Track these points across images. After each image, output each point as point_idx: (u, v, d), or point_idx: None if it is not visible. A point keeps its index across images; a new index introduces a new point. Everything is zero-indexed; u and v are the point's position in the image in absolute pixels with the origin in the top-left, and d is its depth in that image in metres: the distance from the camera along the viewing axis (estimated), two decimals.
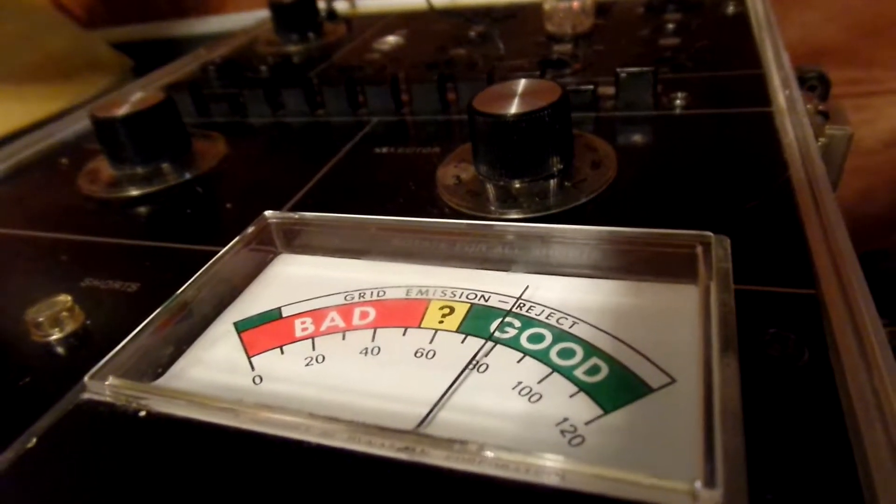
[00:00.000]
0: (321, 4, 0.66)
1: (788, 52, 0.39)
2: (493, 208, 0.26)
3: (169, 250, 0.28)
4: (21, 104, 0.69)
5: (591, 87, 0.34)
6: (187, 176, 0.34)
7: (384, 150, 0.34)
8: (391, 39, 0.54)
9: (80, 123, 0.45)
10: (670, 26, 0.45)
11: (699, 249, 0.18)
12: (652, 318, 0.18)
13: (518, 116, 0.25)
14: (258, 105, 0.41)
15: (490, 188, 0.27)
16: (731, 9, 0.46)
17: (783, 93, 0.31)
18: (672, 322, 0.18)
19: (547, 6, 0.46)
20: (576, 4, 0.45)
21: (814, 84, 0.37)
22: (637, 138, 0.31)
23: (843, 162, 0.30)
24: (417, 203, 0.28)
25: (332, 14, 0.62)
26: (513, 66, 0.43)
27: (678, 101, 0.33)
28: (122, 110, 0.34)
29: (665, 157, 0.28)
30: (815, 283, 0.19)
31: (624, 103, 0.34)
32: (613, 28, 0.47)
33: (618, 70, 0.33)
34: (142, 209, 0.32)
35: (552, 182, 0.27)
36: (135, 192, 0.33)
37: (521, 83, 0.27)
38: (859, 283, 0.19)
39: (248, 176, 0.34)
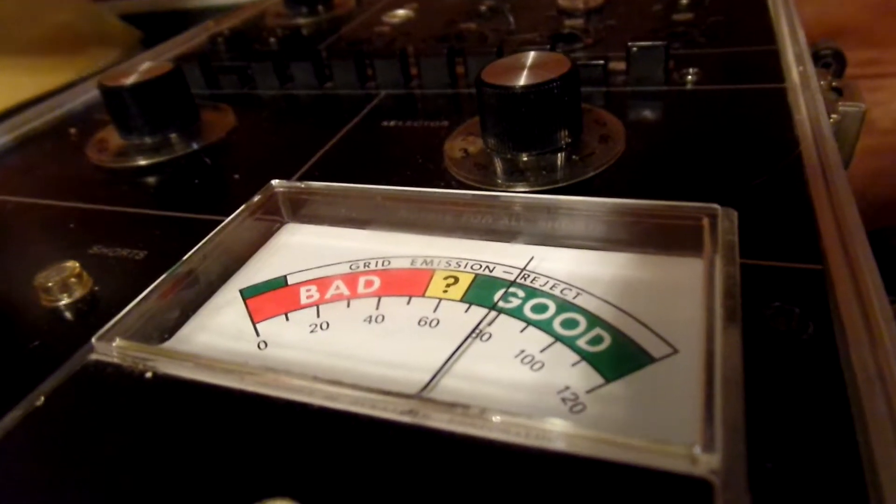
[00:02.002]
0: None
1: (805, 29, 0.38)
2: (500, 181, 0.26)
3: (176, 219, 0.28)
4: (30, 76, 0.69)
5: (602, 61, 0.33)
6: (195, 146, 0.34)
7: (392, 123, 0.34)
8: (401, 12, 0.53)
9: (89, 93, 0.45)
10: (684, 2, 0.44)
11: (705, 221, 0.18)
12: (656, 290, 0.18)
13: (526, 88, 0.25)
14: (267, 77, 0.41)
15: (497, 161, 0.27)
16: None
17: (797, 69, 0.31)
18: (677, 294, 0.18)
19: None
20: None
21: (829, 61, 0.37)
22: (647, 113, 0.31)
23: (855, 140, 0.29)
24: (424, 176, 0.28)
25: None
26: (523, 41, 0.42)
27: (690, 77, 0.33)
28: (131, 79, 0.34)
29: (675, 133, 0.28)
30: (822, 259, 0.19)
31: (635, 78, 0.33)
32: (626, 3, 0.46)
33: (629, 44, 0.33)
34: (149, 179, 0.32)
35: (560, 156, 0.26)
36: (143, 162, 0.33)
37: (531, 56, 0.27)
38: (866, 259, 0.19)
39: (255, 147, 0.34)
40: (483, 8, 0.50)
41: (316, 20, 0.55)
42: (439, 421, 0.13)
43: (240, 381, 0.15)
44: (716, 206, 0.18)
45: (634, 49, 0.33)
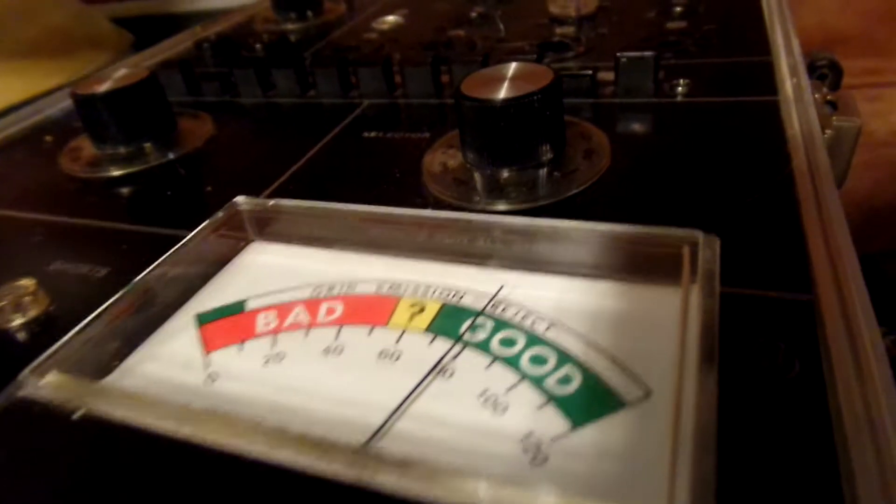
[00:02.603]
0: None
1: (803, 38, 0.37)
2: (478, 198, 0.25)
3: (143, 234, 0.27)
4: (20, 79, 0.68)
5: (590, 72, 0.32)
6: (170, 156, 0.33)
7: (373, 134, 0.33)
8: (390, 19, 0.52)
9: (68, 100, 0.44)
10: (678, 9, 0.43)
11: (685, 250, 0.17)
12: (634, 323, 0.17)
13: (506, 102, 0.24)
14: (249, 85, 0.40)
15: (477, 177, 0.26)
16: None
17: (790, 81, 0.30)
18: (654, 327, 0.17)
19: None
20: None
21: (824, 72, 0.35)
22: (635, 126, 0.30)
23: (850, 156, 0.28)
24: (401, 191, 0.27)
25: None
26: (512, 49, 0.41)
27: (680, 89, 0.32)
28: (104, 87, 0.33)
29: (662, 147, 0.27)
30: (811, 288, 0.18)
31: (623, 89, 0.32)
32: (619, 10, 0.45)
33: (618, 54, 0.32)
34: (121, 190, 0.31)
35: (542, 172, 0.25)
36: (116, 172, 0.32)
37: (513, 67, 0.26)
38: (859, 291, 0.18)
39: (232, 158, 0.33)
40: (474, 14, 0.49)
41: (304, 26, 0.54)
42: (385, 480, 0.12)
43: (176, 426, 0.14)
44: (697, 233, 0.17)
45: (623, 60, 0.32)
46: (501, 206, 0.24)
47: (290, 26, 0.54)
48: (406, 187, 0.27)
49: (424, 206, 0.25)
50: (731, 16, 0.41)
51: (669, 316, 0.17)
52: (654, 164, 0.26)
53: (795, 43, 0.34)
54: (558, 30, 0.44)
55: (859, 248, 0.20)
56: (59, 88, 0.55)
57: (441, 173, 0.27)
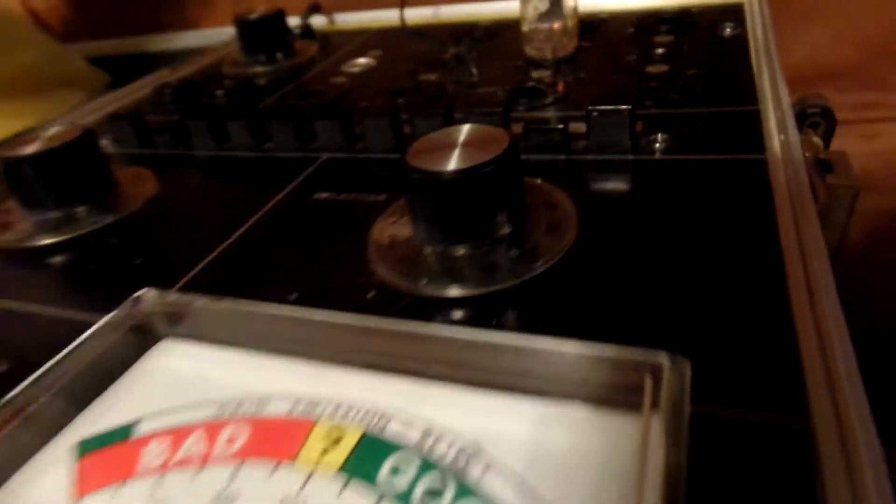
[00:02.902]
0: (295, 21, 0.62)
1: (793, 74, 0.34)
2: (426, 281, 0.22)
3: (56, 319, 0.24)
4: None
5: (560, 126, 0.30)
6: (105, 221, 0.30)
7: (325, 195, 0.30)
8: (362, 61, 0.50)
9: None
10: (660, 51, 0.41)
11: (647, 380, 0.14)
12: (588, 464, 0.14)
13: (457, 174, 0.21)
14: (202, 137, 0.38)
15: (427, 254, 0.23)
16: (728, 30, 0.42)
17: (778, 138, 0.27)
18: (613, 472, 0.13)
19: (525, 28, 0.42)
20: (557, 26, 0.41)
21: (816, 121, 0.33)
22: (607, 188, 0.27)
23: (847, 222, 0.25)
24: (342, 270, 0.24)
25: (307, 31, 0.58)
26: (484, 95, 0.39)
27: (658, 144, 0.29)
28: (32, 148, 0.30)
29: (636, 216, 0.24)
30: (804, 410, 0.15)
31: (596, 145, 0.29)
32: (599, 51, 0.43)
33: (589, 108, 0.29)
34: (45, 262, 0.29)
35: (499, 249, 0.22)
36: (43, 241, 0.30)
37: (465, 130, 0.23)
38: (859, 413, 0.15)
39: (170, 223, 0.30)
40: (448, 56, 0.47)
41: (274, 69, 0.52)
42: None
43: None
44: (661, 357, 0.14)
45: (595, 114, 0.29)
46: (452, 292, 0.21)
47: (258, 69, 0.52)
48: (349, 265, 0.24)
49: (366, 289, 0.22)
50: (716, 59, 0.38)
51: (630, 455, 0.14)
52: (625, 239, 0.23)
53: (783, 92, 0.31)
54: (534, 73, 0.41)
55: (862, 344, 0.17)
56: (30, 130, 0.53)
57: (389, 247, 0.24)
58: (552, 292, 0.21)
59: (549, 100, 0.36)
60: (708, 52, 0.39)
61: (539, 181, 0.26)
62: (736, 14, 0.45)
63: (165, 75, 0.55)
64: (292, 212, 0.29)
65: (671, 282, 0.20)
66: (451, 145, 0.22)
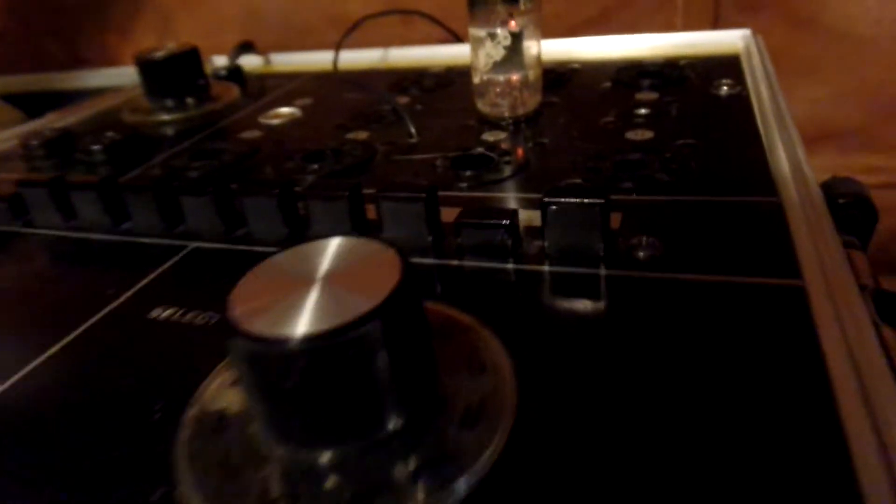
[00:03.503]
0: (220, 61, 0.54)
1: (796, 131, 0.26)
2: None
3: None
4: None
5: (504, 222, 0.21)
6: None
7: (166, 312, 0.21)
8: (285, 111, 0.41)
9: None
10: (642, 111, 0.33)
11: None
12: None
13: (305, 343, 0.12)
14: (45, 211, 0.29)
15: (271, 457, 0.14)
16: (724, 88, 0.34)
17: (815, 251, 0.19)
18: None
19: (477, 80, 0.34)
20: (515, 78, 0.33)
21: (852, 213, 0.25)
22: (567, 328, 0.18)
23: None
24: (135, 472, 0.15)
25: (234, 72, 0.50)
26: (420, 163, 0.30)
27: (642, 253, 0.20)
28: None
29: (602, 385, 0.15)
30: None
31: (556, 250, 0.21)
32: (569, 109, 0.35)
33: (544, 199, 0.20)
34: None
35: (383, 458, 0.13)
36: None
37: (334, 250, 0.14)
38: None
39: None
40: (387, 108, 0.38)
41: (183, 116, 0.43)
42: None
43: None
44: None
45: (553, 208, 0.20)
46: None
47: (163, 117, 0.43)
48: (149, 459, 0.15)
49: None
50: (713, 125, 0.30)
51: None
52: (595, 427, 0.14)
53: (811, 179, 0.23)
54: (487, 134, 0.33)
55: None
56: None
57: (212, 435, 0.15)
58: None
59: (501, 174, 0.28)
60: (701, 116, 0.31)
61: (465, 319, 0.18)
62: (731, 68, 0.37)
63: (52, 120, 0.46)
64: (112, 338, 0.20)
65: None
66: (306, 280, 0.14)
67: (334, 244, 0.14)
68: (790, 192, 0.23)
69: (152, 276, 0.23)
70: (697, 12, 0.54)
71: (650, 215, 0.23)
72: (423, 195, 0.22)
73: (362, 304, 0.13)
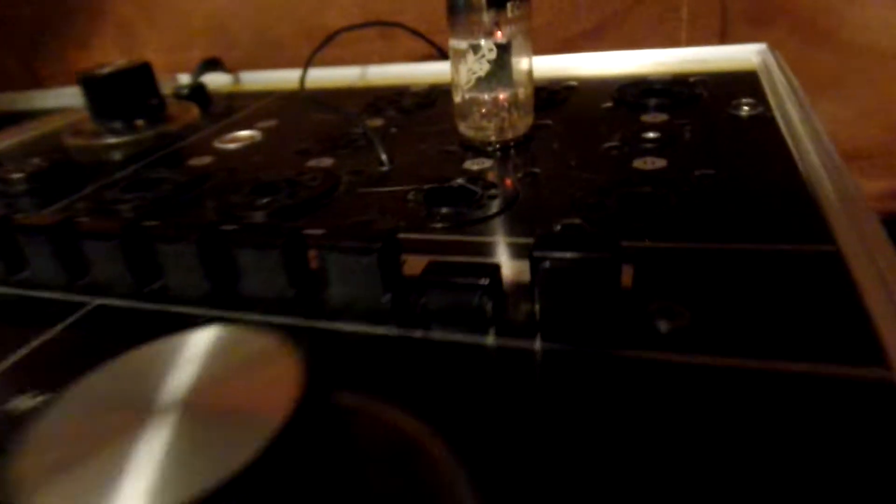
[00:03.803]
0: (184, 79, 0.49)
1: None
2: None
3: None
4: None
5: (482, 282, 0.16)
6: None
7: (32, 402, 0.16)
8: (245, 134, 0.36)
9: None
10: (651, 135, 0.28)
11: None
12: None
13: None
14: None
15: None
16: (745, 109, 0.29)
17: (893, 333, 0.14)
18: None
19: (458, 99, 0.29)
20: (502, 97, 0.28)
21: None
22: (565, 454, 0.13)
23: None
24: None
25: (196, 90, 0.45)
26: (387, 198, 0.25)
27: (663, 325, 0.15)
28: None
29: None
30: None
31: (551, 319, 0.16)
32: (565, 133, 0.30)
33: (534, 253, 0.15)
34: None
35: None
36: None
37: (194, 351, 0.09)
38: None
39: None
40: (359, 131, 0.33)
41: (132, 139, 0.38)
42: None
43: None
44: None
45: (546, 265, 0.15)
46: None
47: (110, 140, 0.38)
48: None
49: None
50: (735, 150, 0.25)
51: None
52: None
53: (872, 219, 0.18)
54: (470, 162, 0.28)
55: None
56: None
57: None
58: None
59: (484, 211, 0.23)
60: (721, 141, 0.27)
61: (425, 439, 0.12)
62: (749, 86, 0.33)
63: None
64: None
65: None
66: (141, 412, 0.08)
67: (201, 342, 0.09)
68: (848, 236, 0.18)
69: (35, 342, 0.18)
70: (703, 25, 0.50)
71: (669, 268, 0.18)
72: (378, 244, 0.17)
73: (219, 464, 0.08)
